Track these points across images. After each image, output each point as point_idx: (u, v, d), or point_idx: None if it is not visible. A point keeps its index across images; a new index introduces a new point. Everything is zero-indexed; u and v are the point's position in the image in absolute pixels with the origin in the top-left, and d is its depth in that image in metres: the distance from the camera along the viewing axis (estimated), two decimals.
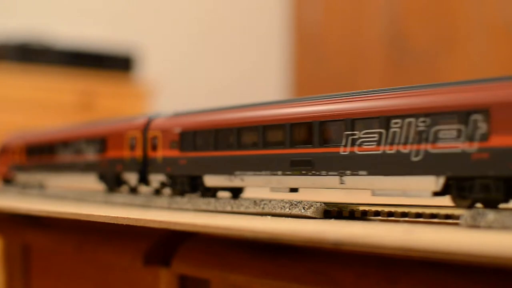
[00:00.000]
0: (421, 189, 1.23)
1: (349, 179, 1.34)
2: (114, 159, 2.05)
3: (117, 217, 1.43)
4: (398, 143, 1.26)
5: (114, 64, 5.12)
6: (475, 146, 1.15)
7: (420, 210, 1.28)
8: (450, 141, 1.18)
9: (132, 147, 1.95)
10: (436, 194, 1.22)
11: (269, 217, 1.44)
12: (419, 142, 1.23)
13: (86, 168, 2.21)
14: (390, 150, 1.27)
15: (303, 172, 1.43)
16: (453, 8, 5.39)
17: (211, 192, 1.72)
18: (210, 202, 1.61)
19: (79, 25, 5.47)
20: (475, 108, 1.15)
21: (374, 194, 1.32)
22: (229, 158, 1.62)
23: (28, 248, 2.45)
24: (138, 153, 1.93)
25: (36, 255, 2.42)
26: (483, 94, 1.16)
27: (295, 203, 1.42)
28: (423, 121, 1.23)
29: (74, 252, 2.11)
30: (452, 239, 0.98)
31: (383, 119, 1.29)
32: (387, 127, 1.28)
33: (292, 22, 6.53)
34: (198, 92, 5.98)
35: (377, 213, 1.34)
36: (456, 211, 1.21)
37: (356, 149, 1.33)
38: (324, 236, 1.04)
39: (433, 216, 1.25)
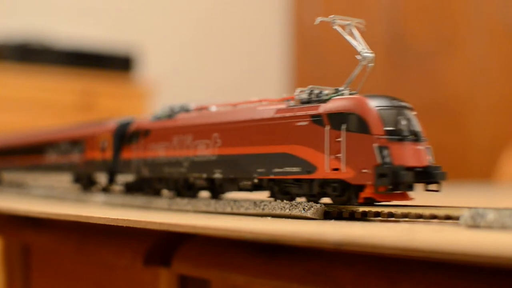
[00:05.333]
0: None
1: None
2: None
3: (117, 218, 1.42)
4: None
5: (114, 64, 5.12)
6: None
7: (420, 211, 1.28)
8: None
9: None
10: None
11: (269, 218, 1.43)
12: None
13: None
14: None
15: None
16: (453, 8, 5.39)
17: None
18: (210, 204, 1.61)
19: (79, 25, 5.47)
20: None
21: None
22: None
23: (28, 248, 2.45)
24: None
25: (36, 255, 2.42)
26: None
27: (295, 204, 1.42)
28: None
29: (74, 252, 2.10)
30: (452, 239, 0.98)
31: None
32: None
33: (292, 22, 6.52)
34: (198, 92, 5.98)
35: (377, 214, 1.34)
36: (456, 212, 1.21)
37: None
38: (325, 237, 1.03)
39: (433, 216, 1.25)
